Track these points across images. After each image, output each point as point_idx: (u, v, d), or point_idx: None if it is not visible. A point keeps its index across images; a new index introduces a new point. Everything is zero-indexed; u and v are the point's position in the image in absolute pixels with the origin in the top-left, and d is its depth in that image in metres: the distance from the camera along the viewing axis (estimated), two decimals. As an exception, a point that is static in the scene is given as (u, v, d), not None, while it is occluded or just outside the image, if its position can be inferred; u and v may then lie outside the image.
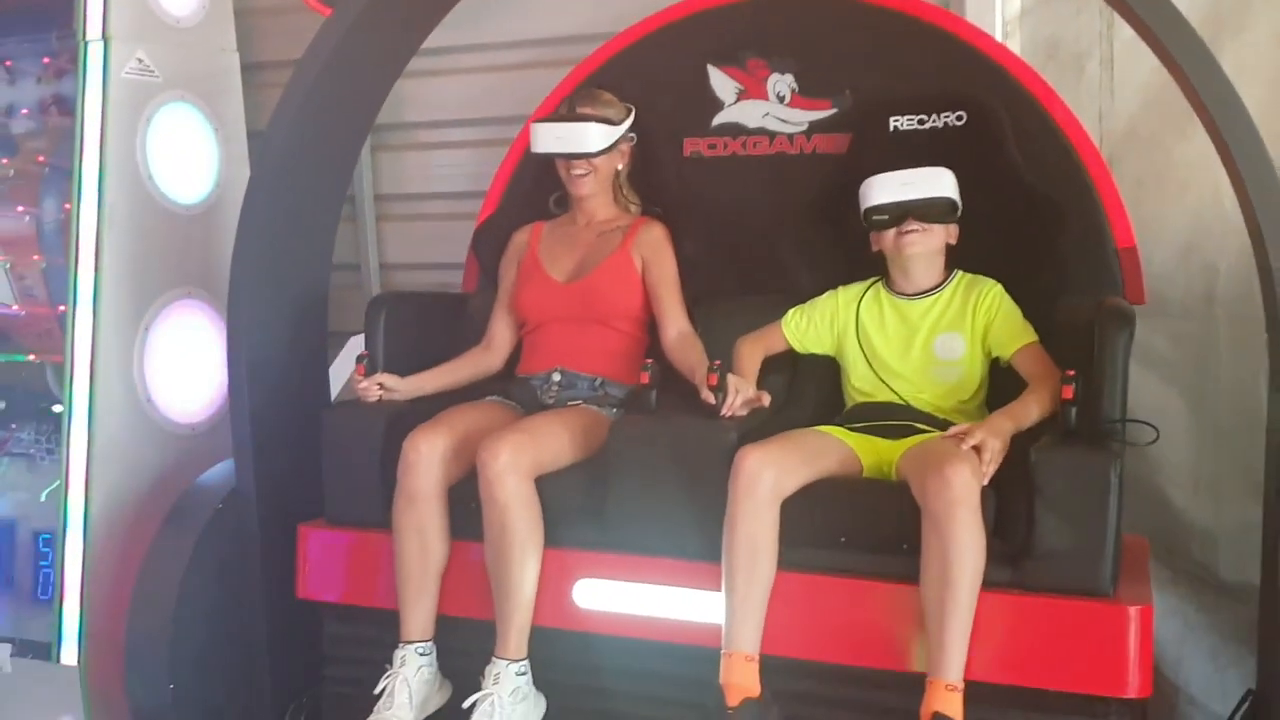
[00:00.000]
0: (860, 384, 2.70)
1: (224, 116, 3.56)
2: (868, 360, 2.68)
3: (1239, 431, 3.03)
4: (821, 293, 2.82)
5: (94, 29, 3.17)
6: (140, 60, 3.25)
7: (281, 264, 2.94)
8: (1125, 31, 2.99)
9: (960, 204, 2.63)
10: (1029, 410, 2.41)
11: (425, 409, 2.76)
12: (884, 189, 2.61)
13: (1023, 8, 3.20)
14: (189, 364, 3.40)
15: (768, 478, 2.32)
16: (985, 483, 2.24)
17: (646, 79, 3.08)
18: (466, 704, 2.45)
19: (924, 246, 2.63)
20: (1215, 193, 3.01)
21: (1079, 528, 2.21)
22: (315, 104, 2.78)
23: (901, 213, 2.60)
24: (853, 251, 2.77)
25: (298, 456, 2.90)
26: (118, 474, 3.16)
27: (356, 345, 3.43)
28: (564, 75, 3.27)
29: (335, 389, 3.41)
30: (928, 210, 2.60)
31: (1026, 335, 2.58)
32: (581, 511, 2.56)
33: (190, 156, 3.44)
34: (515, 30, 3.73)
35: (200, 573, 2.83)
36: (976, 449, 2.26)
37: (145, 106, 3.26)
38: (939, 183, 2.61)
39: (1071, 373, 2.30)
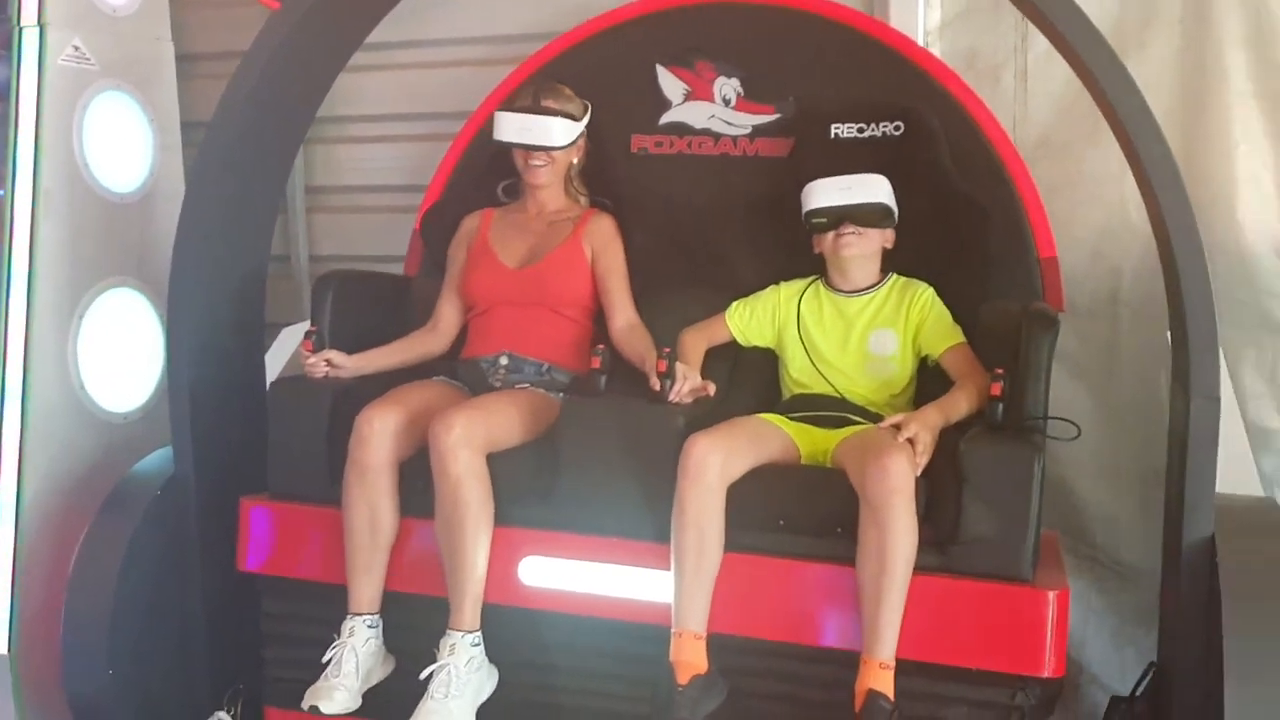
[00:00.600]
0: (798, 375, 2.81)
1: (159, 106, 3.54)
2: (807, 353, 2.78)
3: (1140, 423, 3.20)
4: (764, 287, 2.91)
5: (29, 15, 3.15)
6: (76, 48, 3.24)
7: (222, 252, 2.95)
8: (1039, 44, 3.15)
9: (896, 210, 2.75)
10: (958, 405, 2.53)
11: (372, 387, 2.79)
12: (824, 193, 2.73)
13: (943, 19, 3.32)
14: (123, 352, 3.39)
15: (715, 463, 2.40)
16: (918, 473, 2.36)
17: (597, 75, 3.13)
18: (423, 675, 2.49)
19: (860, 249, 2.76)
20: (1121, 200, 3.19)
21: (1003, 516, 2.34)
22: (261, 95, 2.80)
23: (839, 217, 2.73)
24: (793, 250, 2.87)
25: (236, 443, 2.93)
26: (50, 462, 3.13)
27: (288, 336, 3.45)
28: (501, 73, 3.32)
29: (270, 378, 3.42)
30: (864, 215, 2.73)
31: (955, 336, 2.71)
32: (529, 491, 2.61)
33: (125, 145, 3.42)
34: (452, 27, 3.76)
35: (139, 558, 2.83)
36: (910, 440, 2.38)
37: (81, 94, 3.25)
38: (875, 189, 2.74)
39: (1000, 370, 2.43)
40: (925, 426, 2.42)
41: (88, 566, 2.85)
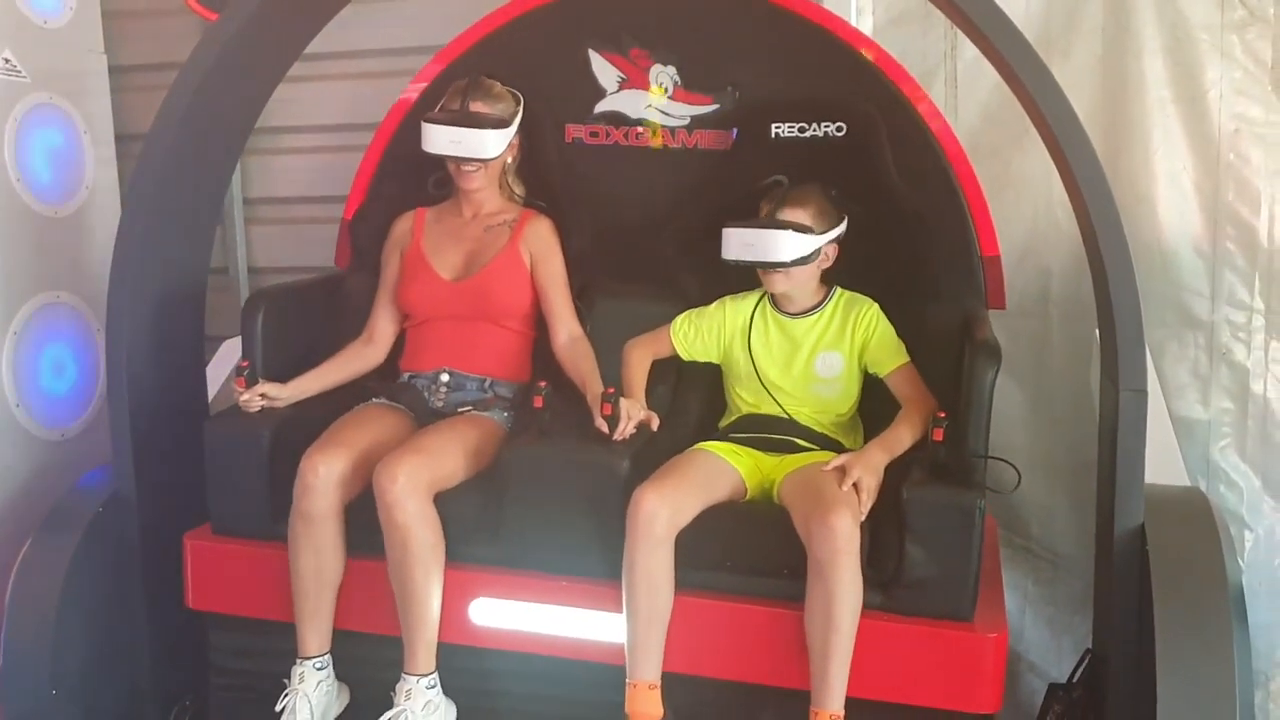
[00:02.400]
0: (746, 394, 2.79)
1: (92, 118, 3.51)
2: (756, 373, 2.76)
3: (1071, 418, 3.29)
4: (702, 287, 2.88)
5: (-42, 27, 3.12)
6: (7, 60, 3.20)
7: (161, 265, 2.91)
8: (968, 52, 3.23)
9: (821, 243, 2.66)
10: (901, 439, 2.54)
11: (311, 412, 2.76)
12: (730, 245, 2.65)
13: (875, 27, 3.37)
14: (58, 369, 3.35)
15: (664, 517, 2.39)
16: (863, 518, 2.38)
17: (526, 60, 3.02)
18: None
19: (786, 285, 2.70)
20: (1048, 202, 3.27)
21: (945, 560, 2.37)
22: (199, 107, 2.77)
23: (748, 267, 2.68)
24: None
25: (178, 458, 2.89)
26: (-15, 481, 3.10)
27: (229, 349, 3.40)
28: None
29: (210, 393, 3.40)
30: (771, 266, 2.65)
31: (899, 357, 2.70)
32: (477, 529, 2.59)
33: (58, 159, 3.39)
34: (387, 36, 3.76)
35: (81, 576, 2.78)
36: (855, 484, 2.39)
37: (13, 107, 3.22)
38: (780, 247, 2.61)
39: (943, 414, 2.46)
40: (868, 471, 2.42)
41: (27, 585, 2.78)
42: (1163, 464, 2.69)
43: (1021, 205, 3.32)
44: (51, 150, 3.36)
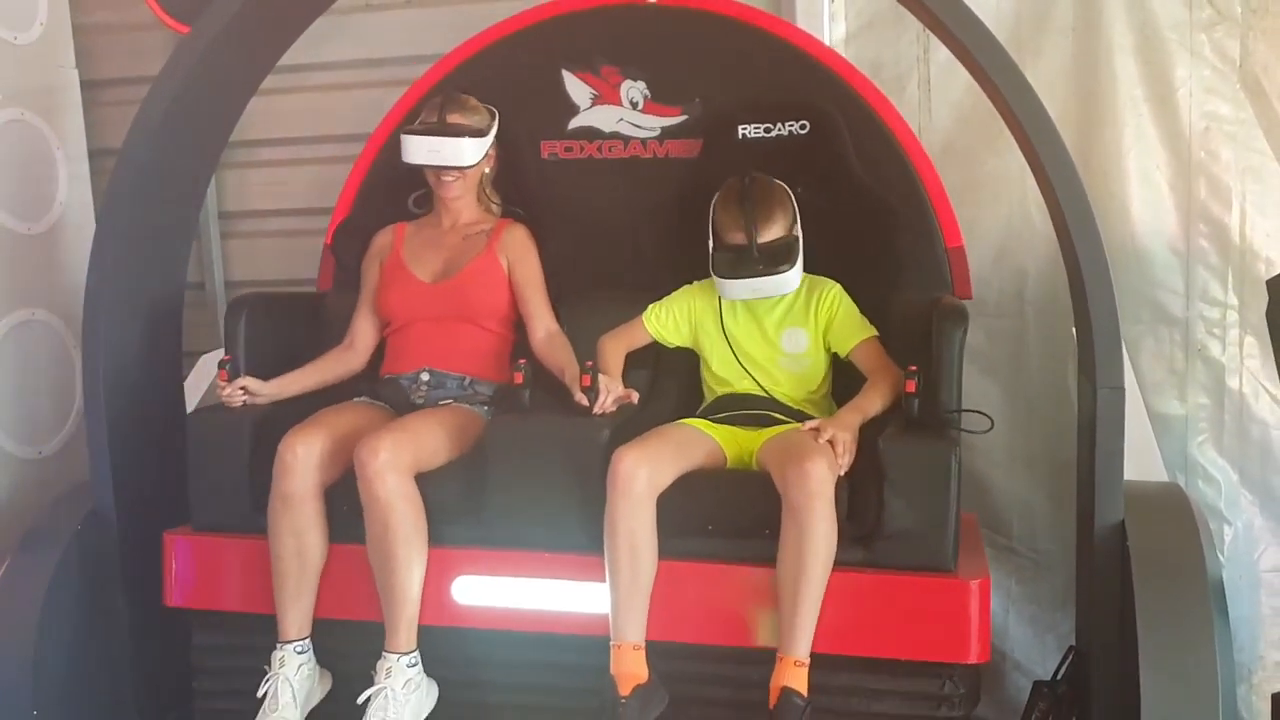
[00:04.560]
0: (720, 371, 2.83)
1: (65, 134, 3.49)
2: (731, 348, 2.81)
3: (1050, 416, 3.32)
4: (679, 287, 2.93)
5: (-72, 44, 3.10)
6: (-23, 76, 3.19)
7: (137, 281, 2.91)
8: (940, 55, 3.26)
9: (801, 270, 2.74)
10: (873, 402, 2.61)
11: (291, 411, 2.77)
12: (735, 292, 2.73)
13: (848, 31, 3.41)
14: (34, 387, 3.32)
15: (643, 475, 2.43)
16: (842, 473, 2.43)
17: (502, 82, 3.12)
18: (361, 699, 2.49)
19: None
20: (1023, 202, 3.30)
21: (923, 509, 2.40)
22: (173, 121, 2.77)
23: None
24: (706, 249, 2.82)
25: (156, 474, 2.88)
26: (-39, 501, 3.07)
27: (206, 364, 3.40)
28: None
29: (189, 408, 3.38)
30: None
31: (864, 331, 2.76)
32: (460, 510, 2.61)
33: (31, 174, 3.37)
34: (360, 49, 3.75)
35: (61, 594, 2.76)
36: (830, 443, 2.44)
37: (-16, 123, 3.20)
38: (784, 284, 2.70)
39: (914, 368, 2.50)
40: (842, 428, 2.48)
41: (7, 604, 2.77)
42: (1141, 460, 2.72)
43: (997, 205, 3.35)
44: (24, 166, 3.34)
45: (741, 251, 2.69)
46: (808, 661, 2.36)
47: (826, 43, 3.35)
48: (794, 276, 2.71)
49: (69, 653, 2.79)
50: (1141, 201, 3.22)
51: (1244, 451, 3.22)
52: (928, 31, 3.14)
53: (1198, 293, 3.21)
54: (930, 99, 3.38)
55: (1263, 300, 2.66)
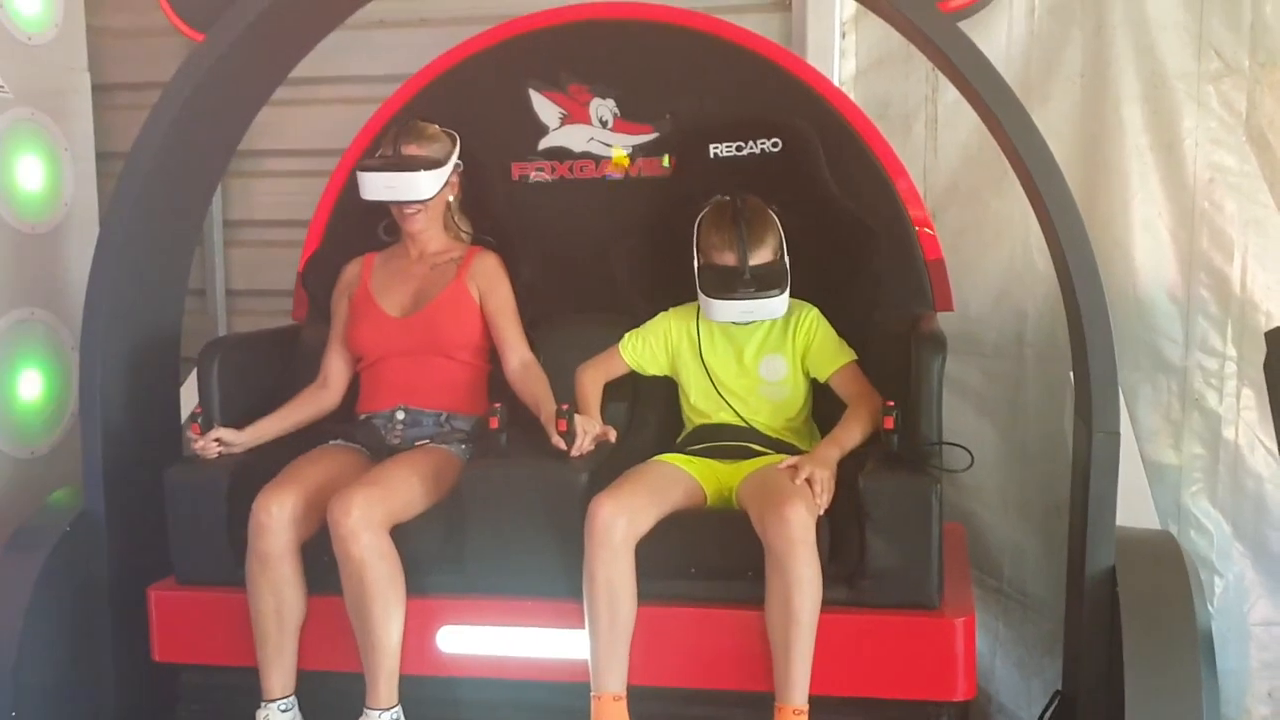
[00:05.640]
0: (699, 403, 2.81)
1: (74, 136, 3.51)
2: (709, 377, 2.79)
3: (1044, 459, 3.31)
4: (652, 309, 2.91)
5: (-58, 42, 3.12)
6: (-10, 75, 3.21)
7: (138, 285, 2.91)
8: (948, 95, 3.26)
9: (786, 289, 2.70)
10: (852, 434, 2.59)
11: (268, 458, 2.75)
12: (724, 313, 2.69)
13: (857, 69, 3.43)
14: (30, 387, 3.32)
15: (621, 524, 2.40)
16: (822, 512, 2.41)
17: (469, 103, 3.09)
18: None
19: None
20: (1025, 244, 3.31)
21: (906, 548, 2.40)
22: (181, 128, 2.78)
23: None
24: (681, 269, 2.80)
25: (148, 479, 2.85)
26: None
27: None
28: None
29: (183, 415, 3.38)
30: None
31: (843, 356, 2.74)
32: (440, 558, 2.59)
33: (39, 175, 3.38)
34: (372, 63, 3.76)
35: (48, 594, 2.74)
36: (809, 481, 2.42)
37: (-5, 122, 3.22)
38: (775, 307, 2.68)
39: (891, 404, 2.49)
40: (820, 465, 2.46)
41: (-8, 603, 2.76)
42: (1134, 506, 2.70)
43: (999, 247, 3.36)
44: (32, 167, 3.35)
45: (733, 272, 2.66)
46: (806, 708, 2.34)
47: (836, 79, 3.37)
48: (783, 303, 2.68)
49: (53, 654, 2.77)
50: (1143, 249, 3.22)
51: (1237, 504, 3.22)
52: (936, 71, 3.16)
53: (1197, 342, 3.21)
54: (937, 138, 3.39)
55: (1261, 352, 2.66)
